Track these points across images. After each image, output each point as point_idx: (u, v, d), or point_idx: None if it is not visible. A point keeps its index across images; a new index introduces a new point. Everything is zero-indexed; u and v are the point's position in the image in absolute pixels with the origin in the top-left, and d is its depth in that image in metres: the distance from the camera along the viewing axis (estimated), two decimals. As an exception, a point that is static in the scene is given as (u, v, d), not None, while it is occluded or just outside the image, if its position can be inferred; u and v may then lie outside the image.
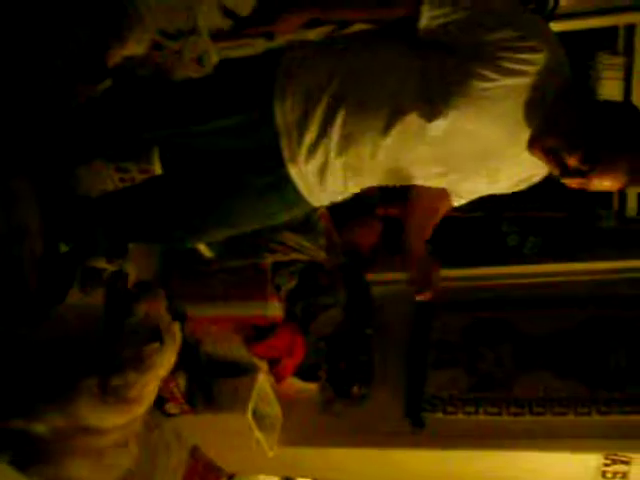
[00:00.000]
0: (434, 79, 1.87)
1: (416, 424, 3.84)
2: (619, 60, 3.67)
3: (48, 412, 1.98)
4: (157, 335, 2.08)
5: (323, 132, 1.94)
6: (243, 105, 2.02)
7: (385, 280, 4.35)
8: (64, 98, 2.38)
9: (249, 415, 3.52)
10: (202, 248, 3.35)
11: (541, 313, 3.95)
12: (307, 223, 3.79)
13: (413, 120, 1.88)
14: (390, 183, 2.15)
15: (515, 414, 3.69)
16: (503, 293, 4.12)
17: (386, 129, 1.91)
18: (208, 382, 3.57)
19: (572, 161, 1.81)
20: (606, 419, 3.57)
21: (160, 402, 3.38)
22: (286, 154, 1.99)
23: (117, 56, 2.74)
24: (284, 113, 1.95)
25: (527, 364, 3.81)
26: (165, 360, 2.13)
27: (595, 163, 1.79)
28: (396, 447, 3.82)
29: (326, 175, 2.02)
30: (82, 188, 2.60)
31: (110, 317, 2.24)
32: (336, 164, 1.99)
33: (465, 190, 2.22)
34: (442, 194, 2.25)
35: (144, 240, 2.47)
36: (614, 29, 3.58)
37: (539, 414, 3.65)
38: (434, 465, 3.86)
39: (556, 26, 3.15)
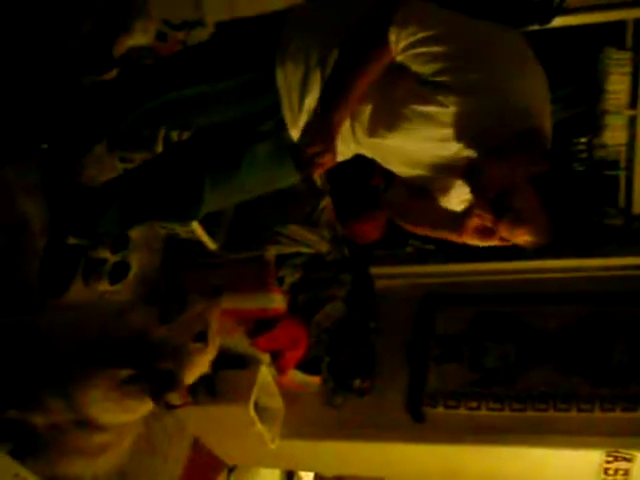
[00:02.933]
0: (390, 101, 1.89)
1: (416, 418, 3.84)
2: (627, 55, 3.64)
3: (51, 401, 1.97)
4: (203, 337, 2.09)
5: None
6: (245, 67, 2.02)
7: (389, 273, 4.34)
8: (69, 86, 2.37)
9: (251, 407, 3.52)
10: (206, 240, 3.34)
11: (545, 309, 3.94)
12: (311, 215, 3.79)
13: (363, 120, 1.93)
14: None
15: (517, 410, 3.69)
16: (508, 288, 4.11)
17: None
18: (210, 374, 3.56)
19: (488, 197, 1.81)
20: (609, 416, 3.57)
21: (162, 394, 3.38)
22: (288, 117, 2.00)
23: (123, 46, 2.73)
24: (285, 75, 1.95)
25: (530, 360, 3.81)
26: (201, 363, 2.13)
27: (508, 209, 1.78)
28: (397, 441, 3.82)
29: None
30: (87, 179, 2.60)
31: None
32: None
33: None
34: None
35: (152, 216, 2.46)
36: (622, 24, 3.55)
37: (541, 410, 3.65)
38: (435, 459, 3.87)
39: (564, 20, 3.13)
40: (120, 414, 2.07)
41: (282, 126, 2.03)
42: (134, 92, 2.20)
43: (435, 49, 1.79)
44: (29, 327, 2.07)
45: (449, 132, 1.85)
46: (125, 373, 1.98)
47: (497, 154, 1.82)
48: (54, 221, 2.40)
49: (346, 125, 1.95)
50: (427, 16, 1.86)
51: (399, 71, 1.85)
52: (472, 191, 1.87)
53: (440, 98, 1.81)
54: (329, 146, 1.80)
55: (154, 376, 1.99)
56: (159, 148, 2.76)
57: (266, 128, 2.06)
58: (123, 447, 2.20)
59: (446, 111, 1.82)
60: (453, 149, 1.88)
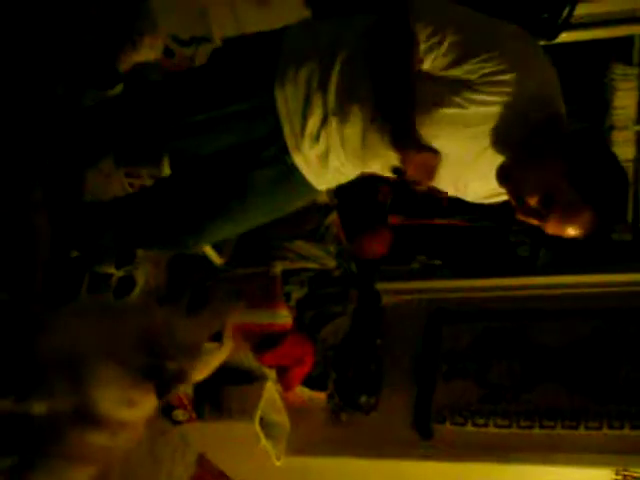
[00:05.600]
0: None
1: (424, 435, 3.82)
2: (634, 71, 3.65)
3: (58, 384, 1.95)
4: (219, 338, 2.07)
5: (325, 118, 1.92)
6: (244, 93, 1.99)
7: (395, 289, 4.33)
8: (73, 102, 2.38)
9: (256, 423, 3.50)
10: (212, 255, 3.34)
11: (552, 325, 3.92)
12: (318, 231, 3.79)
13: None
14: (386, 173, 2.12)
15: (525, 427, 3.66)
16: (515, 304, 4.10)
17: (371, 121, 1.90)
18: (216, 390, 3.55)
19: (531, 201, 1.81)
20: (617, 434, 3.54)
21: (168, 409, 3.38)
22: (290, 142, 1.98)
23: (129, 61, 2.74)
24: (285, 100, 1.93)
25: (538, 376, 3.78)
26: (212, 363, 2.12)
27: (551, 210, 1.78)
28: (403, 458, 3.80)
29: (329, 159, 2.00)
30: (92, 194, 2.60)
31: None
32: (338, 148, 1.97)
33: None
34: None
35: (151, 244, 2.46)
36: (629, 39, 3.56)
37: (549, 427, 3.62)
38: (442, 477, 3.84)
39: (570, 36, 3.14)
40: (123, 408, 2.05)
41: (284, 150, 2.00)
42: (138, 110, 2.20)
43: (449, 39, 1.79)
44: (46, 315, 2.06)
45: (475, 130, 1.84)
46: (138, 362, 1.96)
47: (526, 154, 1.82)
48: (58, 235, 2.39)
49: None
50: (436, 9, 1.87)
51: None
52: (511, 199, 1.86)
53: (458, 99, 1.80)
54: (427, 149, 1.77)
55: (162, 373, 1.98)
56: (165, 166, 2.76)
57: (269, 154, 2.03)
58: (115, 453, 2.17)
59: (466, 112, 1.81)
60: (484, 144, 1.87)
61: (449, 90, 1.81)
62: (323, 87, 1.90)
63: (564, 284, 4.03)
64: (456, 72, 1.80)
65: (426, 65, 1.82)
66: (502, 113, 1.80)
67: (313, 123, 1.93)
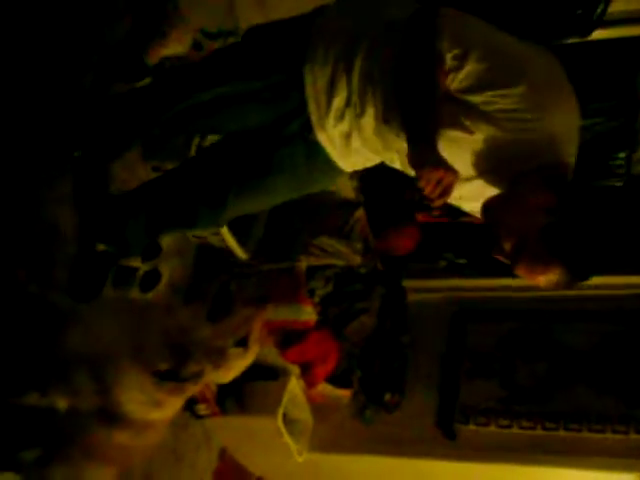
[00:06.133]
0: None
1: (448, 434, 3.79)
2: (667, 69, 3.58)
3: (81, 382, 1.95)
4: (244, 343, 2.08)
5: (350, 98, 1.91)
6: (274, 68, 2.00)
7: (421, 287, 4.31)
8: (101, 93, 2.38)
9: (279, 419, 3.50)
10: (237, 249, 3.33)
11: (579, 326, 3.88)
12: (344, 227, 3.77)
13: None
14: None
15: (550, 429, 3.63)
16: (541, 305, 4.04)
17: (384, 121, 1.91)
18: (239, 385, 3.55)
19: (505, 245, 1.81)
20: (644, 438, 3.49)
21: (190, 403, 3.38)
22: (314, 119, 1.98)
23: (158, 55, 2.74)
24: (314, 78, 1.93)
25: (564, 378, 3.74)
26: (237, 368, 2.13)
27: (520, 258, 1.79)
28: (426, 457, 3.78)
29: (352, 139, 1.99)
30: (118, 187, 2.60)
31: None
32: (363, 127, 1.95)
33: None
34: None
35: (176, 222, 2.46)
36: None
37: (575, 430, 3.58)
38: (464, 478, 3.81)
39: (604, 33, 3.08)
40: (149, 408, 2.05)
41: (308, 128, 2.00)
42: (164, 93, 2.21)
43: (469, 67, 1.77)
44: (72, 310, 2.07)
45: (475, 156, 1.83)
46: (164, 366, 1.97)
47: (513, 195, 1.81)
48: (84, 228, 2.40)
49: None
50: (463, 30, 1.84)
51: None
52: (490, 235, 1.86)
53: (467, 123, 1.79)
54: (445, 168, 1.74)
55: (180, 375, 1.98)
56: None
57: (292, 130, 2.03)
58: (135, 452, 2.18)
59: (470, 138, 1.80)
60: (481, 169, 1.87)
61: (462, 112, 1.80)
62: (348, 71, 1.90)
63: (592, 285, 3.95)
64: (472, 98, 1.78)
65: (446, 82, 1.81)
66: (506, 148, 1.78)
67: (338, 102, 1.93)
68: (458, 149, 1.84)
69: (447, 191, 1.76)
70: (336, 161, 2.09)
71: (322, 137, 2.01)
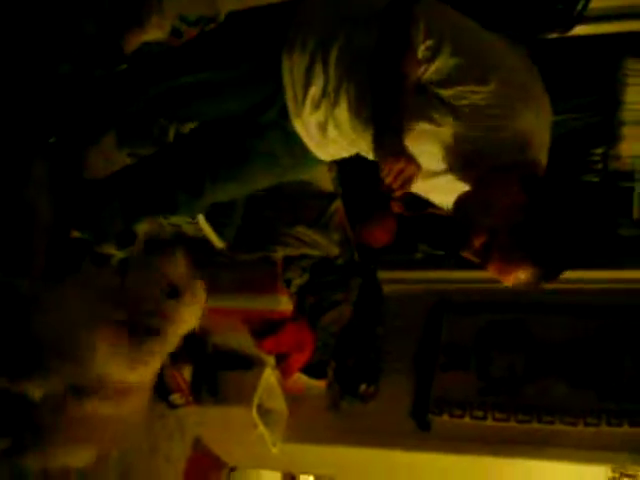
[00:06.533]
0: None
1: (421, 426, 3.81)
2: (646, 66, 3.61)
3: (53, 366, 1.93)
4: (175, 294, 2.04)
5: (326, 88, 1.90)
6: (253, 54, 1.99)
7: (397, 278, 4.31)
8: (79, 80, 2.35)
9: (254, 409, 3.50)
10: (213, 238, 3.31)
11: (556, 319, 3.89)
12: (320, 218, 3.76)
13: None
14: None
15: (523, 421, 3.65)
16: (518, 297, 4.05)
17: (356, 115, 1.91)
18: (214, 374, 3.54)
19: (476, 241, 1.80)
20: (616, 431, 3.52)
21: (165, 393, 3.37)
22: (291, 107, 1.96)
23: (137, 41, 2.71)
24: (291, 65, 1.92)
25: (539, 371, 3.76)
26: (185, 316, 2.08)
27: (489, 255, 1.78)
28: (400, 448, 3.79)
29: (328, 129, 1.98)
30: (93, 173, 2.57)
31: None
32: (337, 118, 1.94)
33: None
34: None
35: (152, 209, 2.43)
36: (642, 34, 3.51)
37: (548, 422, 3.61)
38: (439, 468, 3.83)
39: (584, 29, 3.09)
40: (123, 371, 2.02)
41: (284, 116, 1.99)
42: (140, 78, 2.19)
43: (442, 60, 1.77)
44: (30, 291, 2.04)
45: (443, 151, 1.83)
46: (120, 316, 1.93)
47: (482, 192, 1.81)
48: (59, 214, 2.37)
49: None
50: (439, 21, 1.83)
51: None
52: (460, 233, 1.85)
53: (436, 116, 1.79)
54: (407, 159, 1.73)
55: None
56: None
57: (268, 118, 2.02)
58: (124, 420, 2.15)
59: (438, 130, 1.80)
60: (449, 165, 1.86)
61: (431, 104, 1.80)
62: (325, 60, 1.89)
63: (569, 279, 3.97)
64: (442, 92, 1.78)
65: (417, 72, 1.80)
66: (474, 144, 1.78)
67: (314, 91, 1.92)
68: (427, 141, 1.83)
69: (407, 183, 1.74)
70: (313, 150, 2.08)
71: (298, 125, 2.00)
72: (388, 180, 1.74)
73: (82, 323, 1.93)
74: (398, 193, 1.78)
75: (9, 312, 1.92)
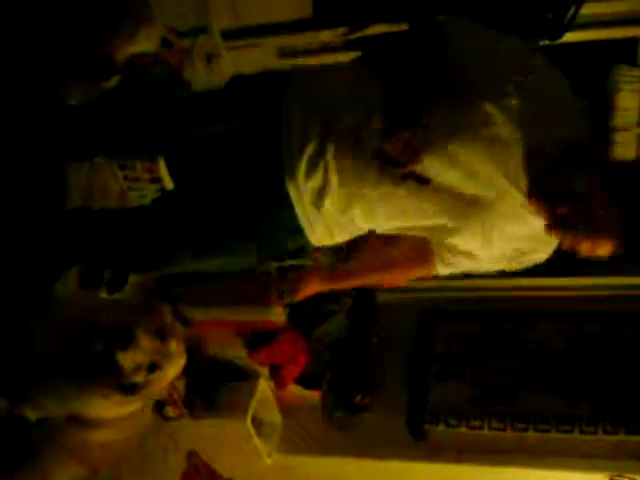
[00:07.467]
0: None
1: (417, 436, 3.79)
2: (638, 72, 3.60)
3: (42, 400, 1.92)
4: (162, 335, 2.03)
5: (322, 149, 1.84)
6: (249, 112, 1.97)
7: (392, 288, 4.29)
8: (65, 94, 2.34)
9: (248, 421, 3.48)
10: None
11: (550, 327, 3.88)
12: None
13: None
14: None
15: (520, 430, 3.63)
16: (512, 305, 4.06)
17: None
18: (208, 387, 3.52)
19: (562, 209, 1.67)
20: (612, 439, 3.51)
21: (159, 406, 3.35)
22: (287, 166, 1.90)
23: (126, 52, 2.69)
24: (290, 129, 1.88)
25: (534, 380, 3.74)
26: (172, 366, 2.07)
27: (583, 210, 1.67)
28: (396, 458, 3.77)
29: (325, 199, 1.91)
30: (84, 186, 2.56)
31: None
32: (335, 188, 1.88)
33: (453, 248, 2.11)
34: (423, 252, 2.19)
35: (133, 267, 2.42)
36: (634, 41, 3.51)
37: (544, 431, 3.59)
38: (434, 478, 3.81)
39: (575, 36, 3.09)
40: (112, 408, 2.01)
41: (280, 179, 1.94)
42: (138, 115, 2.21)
43: None
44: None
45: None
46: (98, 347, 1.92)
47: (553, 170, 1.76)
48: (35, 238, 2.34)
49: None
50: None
51: None
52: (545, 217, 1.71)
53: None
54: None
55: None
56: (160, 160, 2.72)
57: (263, 183, 1.99)
58: (122, 442, 2.14)
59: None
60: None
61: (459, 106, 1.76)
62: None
63: (563, 286, 3.99)
64: None
65: None
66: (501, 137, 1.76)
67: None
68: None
69: (416, 154, 1.67)
70: (306, 229, 2.05)
71: (293, 193, 1.93)
72: (396, 149, 1.67)
73: (52, 365, 1.93)
74: (407, 169, 1.70)
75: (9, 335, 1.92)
